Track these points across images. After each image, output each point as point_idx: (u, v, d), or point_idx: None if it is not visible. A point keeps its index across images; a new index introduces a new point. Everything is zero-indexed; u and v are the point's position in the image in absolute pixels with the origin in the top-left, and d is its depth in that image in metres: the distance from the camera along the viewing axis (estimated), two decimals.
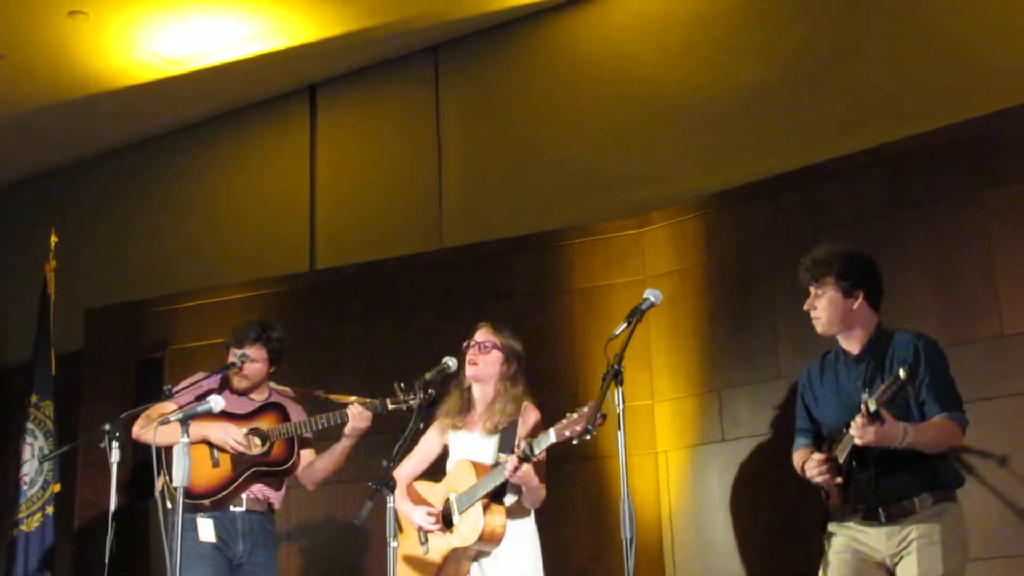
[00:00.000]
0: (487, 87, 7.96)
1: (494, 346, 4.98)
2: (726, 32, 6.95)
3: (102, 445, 4.81)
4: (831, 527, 4.42)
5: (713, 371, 6.13)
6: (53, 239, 7.78)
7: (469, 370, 4.94)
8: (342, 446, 5.40)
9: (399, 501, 4.84)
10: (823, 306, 4.43)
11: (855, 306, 4.40)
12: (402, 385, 5.23)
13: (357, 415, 5.28)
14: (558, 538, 5.80)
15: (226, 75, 8.20)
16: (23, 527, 7.26)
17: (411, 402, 5.13)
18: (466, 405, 5.05)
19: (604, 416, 4.00)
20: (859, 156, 5.92)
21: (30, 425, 7.47)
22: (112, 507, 4.82)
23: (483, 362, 4.96)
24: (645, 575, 6.02)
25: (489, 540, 4.70)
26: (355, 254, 7.72)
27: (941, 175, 5.62)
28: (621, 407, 4.04)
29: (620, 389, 4.06)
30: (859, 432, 4.03)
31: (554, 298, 6.74)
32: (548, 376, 4.93)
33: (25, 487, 7.34)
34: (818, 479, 4.32)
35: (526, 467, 4.59)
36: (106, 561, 4.72)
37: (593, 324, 6.50)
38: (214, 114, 8.88)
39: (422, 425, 4.86)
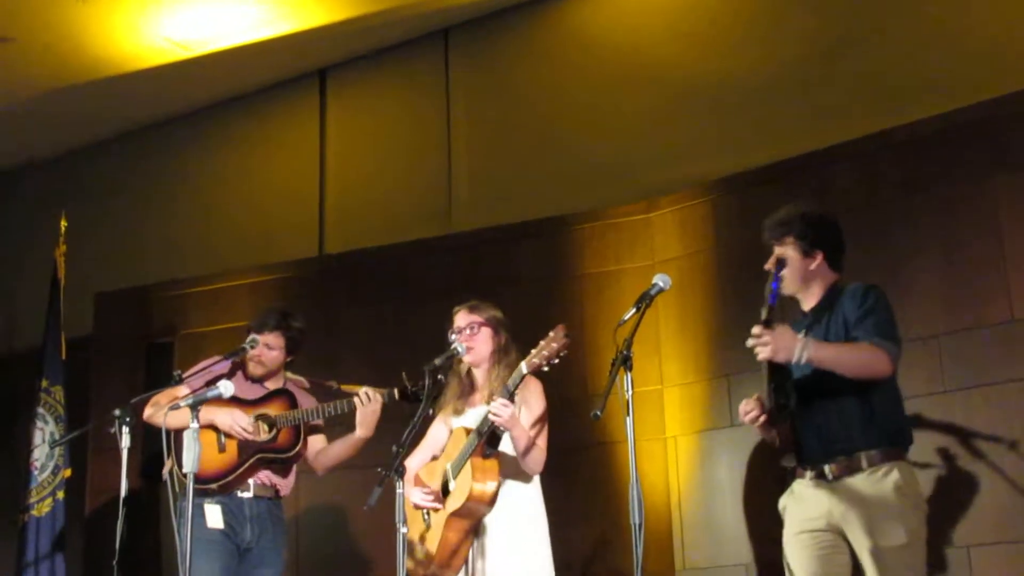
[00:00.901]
0: (497, 72, 7.94)
1: (480, 324, 4.98)
2: (736, 17, 6.94)
3: (112, 430, 4.82)
4: (783, 499, 4.38)
5: (722, 356, 6.13)
6: (63, 223, 7.78)
7: (467, 356, 4.94)
8: (356, 437, 5.37)
9: (406, 490, 4.84)
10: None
11: (813, 266, 4.41)
12: (408, 376, 5.23)
13: (364, 399, 5.26)
14: (568, 523, 5.81)
15: (236, 59, 8.20)
16: (34, 512, 7.29)
17: (419, 389, 5.13)
18: (467, 390, 5.05)
19: (598, 415, 3.99)
20: (869, 140, 5.91)
21: (40, 410, 7.49)
22: (123, 492, 4.83)
23: (476, 343, 4.96)
24: (654, 560, 6.03)
25: (479, 500, 4.64)
26: (364, 239, 7.73)
27: (952, 159, 5.61)
28: (630, 392, 4.04)
29: (629, 374, 4.06)
30: (754, 340, 4.07)
31: (563, 283, 6.74)
32: (557, 362, 4.95)
33: (36, 472, 7.36)
34: (745, 419, 4.32)
35: (509, 410, 4.57)
36: (117, 546, 4.73)
37: (602, 309, 6.50)
38: (224, 98, 8.88)
39: (431, 411, 4.86)
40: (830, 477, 4.19)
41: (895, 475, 4.12)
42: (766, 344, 4.06)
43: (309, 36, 7.95)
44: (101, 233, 9.04)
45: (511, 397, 4.60)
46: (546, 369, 4.56)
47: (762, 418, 4.29)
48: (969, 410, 5.29)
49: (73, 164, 9.57)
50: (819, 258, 4.41)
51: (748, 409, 4.31)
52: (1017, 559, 5.06)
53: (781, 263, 4.33)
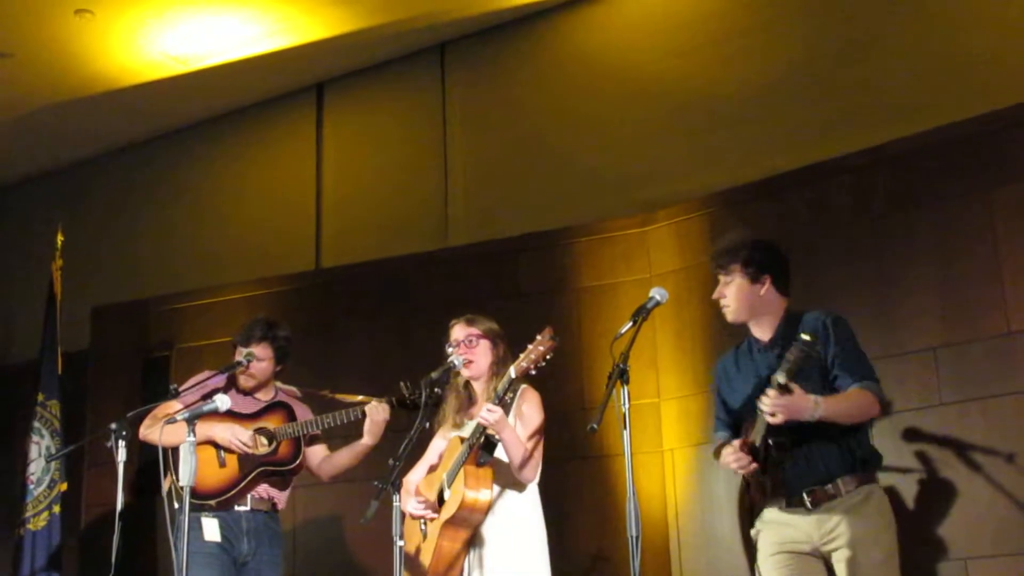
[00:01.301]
0: (493, 86, 7.96)
1: (479, 337, 4.99)
2: (732, 31, 6.95)
3: (109, 444, 4.81)
4: (757, 524, 4.44)
5: None
6: (60, 237, 7.78)
7: (465, 370, 4.94)
8: (363, 445, 5.39)
9: (402, 501, 4.83)
10: (731, 294, 4.48)
11: (762, 292, 4.45)
12: (407, 384, 5.25)
13: (374, 409, 5.29)
14: (565, 536, 5.81)
15: (233, 74, 8.22)
16: (30, 526, 7.27)
17: (416, 397, 5.16)
18: (465, 403, 5.05)
19: (595, 428, 4.00)
20: (864, 154, 5.92)
21: (37, 424, 7.48)
22: (119, 506, 4.82)
23: (476, 356, 4.96)
24: (652, 573, 6.03)
25: (472, 508, 4.64)
26: (361, 253, 7.73)
27: (946, 173, 5.62)
28: (627, 405, 4.04)
29: (626, 387, 4.06)
30: (770, 406, 4.07)
31: (560, 297, 6.74)
32: (554, 374, 4.93)
33: (32, 486, 7.34)
34: (734, 466, 4.35)
35: (498, 415, 4.58)
36: (113, 560, 4.72)
37: (599, 322, 6.51)
38: (221, 112, 8.90)
39: (428, 424, 4.86)
40: (809, 505, 4.26)
41: (870, 498, 4.25)
42: (784, 409, 4.08)
43: (306, 50, 7.97)
44: (98, 247, 9.05)
45: (500, 401, 4.61)
46: (534, 372, 4.60)
47: (754, 465, 4.31)
48: (966, 423, 5.29)
49: (70, 178, 9.58)
50: (767, 284, 4.45)
51: (738, 458, 4.32)
52: (1014, 571, 5.05)
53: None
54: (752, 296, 4.45)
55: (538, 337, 4.59)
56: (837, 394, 4.26)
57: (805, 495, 4.26)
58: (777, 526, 4.36)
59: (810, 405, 4.10)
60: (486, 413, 4.59)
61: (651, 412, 6.31)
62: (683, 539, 6.12)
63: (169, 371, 7.57)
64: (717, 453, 4.52)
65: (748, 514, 4.51)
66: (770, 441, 4.22)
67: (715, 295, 4.52)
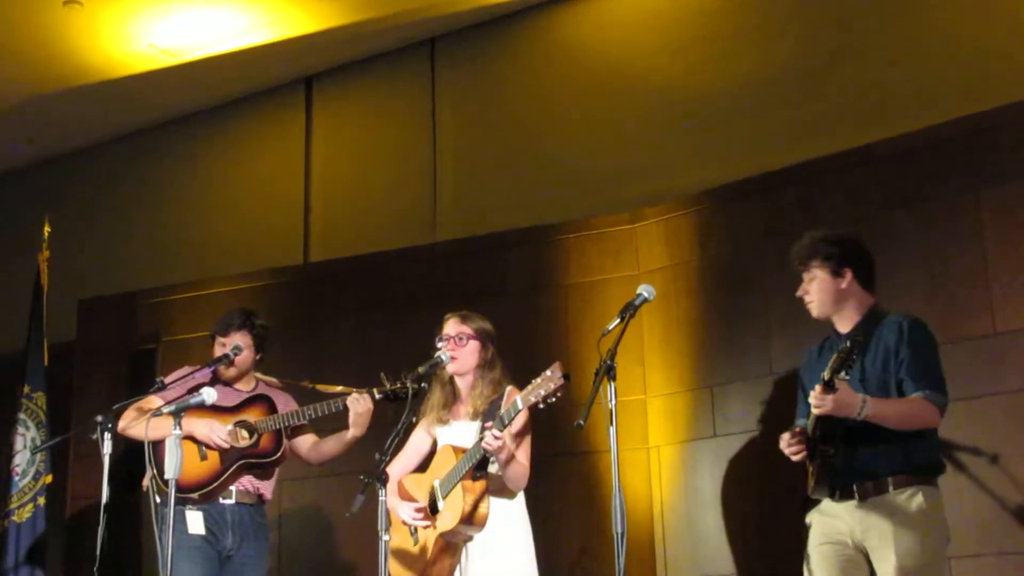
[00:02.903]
0: (482, 81, 7.96)
1: (469, 337, 4.98)
2: (722, 29, 6.96)
3: (94, 436, 4.79)
4: (812, 513, 4.45)
5: (706, 367, 6.14)
6: (46, 229, 7.75)
7: (451, 365, 4.94)
8: (351, 435, 5.41)
9: (388, 498, 4.82)
10: (814, 289, 4.49)
11: (844, 284, 4.46)
12: (388, 375, 5.26)
13: (355, 401, 5.30)
14: (550, 532, 5.81)
15: (222, 66, 8.20)
16: (14, 518, 7.25)
17: (397, 389, 5.19)
18: (450, 398, 5.05)
19: (581, 425, 4.00)
20: (853, 153, 5.93)
21: (22, 416, 7.45)
22: (104, 499, 4.81)
23: (462, 354, 4.96)
24: (637, 569, 6.04)
25: (471, 522, 4.64)
26: (349, 247, 7.73)
27: (935, 173, 5.63)
28: (614, 402, 4.04)
29: (613, 384, 4.06)
30: (815, 401, 4.10)
31: (548, 293, 6.75)
32: (541, 370, 4.92)
33: (17, 478, 7.32)
34: (786, 451, 4.37)
35: (502, 443, 4.54)
36: (97, 552, 4.71)
37: (586, 319, 6.51)
38: (209, 105, 8.88)
39: (414, 419, 4.85)
40: (858, 498, 4.26)
41: (919, 498, 4.21)
42: (826, 404, 4.09)
43: (295, 44, 7.96)
44: (85, 239, 9.03)
45: (504, 428, 4.57)
46: (542, 407, 4.46)
47: (803, 453, 4.34)
48: (952, 423, 5.28)
49: (57, 170, 9.56)
50: (848, 276, 4.46)
51: (792, 443, 4.36)
52: (999, 571, 5.07)
53: None
54: (835, 289, 4.45)
55: (548, 372, 4.43)
56: (890, 398, 4.26)
57: (855, 488, 4.26)
58: (826, 517, 4.37)
59: (857, 403, 4.10)
60: (491, 440, 4.53)
61: (638, 409, 6.32)
62: (668, 535, 6.13)
63: (156, 364, 7.55)
64: (782, 437, 4.48)
65: (803, 504, 4.50)
66: (818, 434, 4.25)
67: (800, 292, 4.51)
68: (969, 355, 5.30)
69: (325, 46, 8.06)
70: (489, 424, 4.60)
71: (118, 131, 9.20)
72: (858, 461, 4.26)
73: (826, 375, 4.04)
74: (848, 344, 4.00)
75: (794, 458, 4.38)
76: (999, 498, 5.11)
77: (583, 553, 6.20)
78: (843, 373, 4.06)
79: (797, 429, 4.37)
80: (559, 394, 4.42)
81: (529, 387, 4.48)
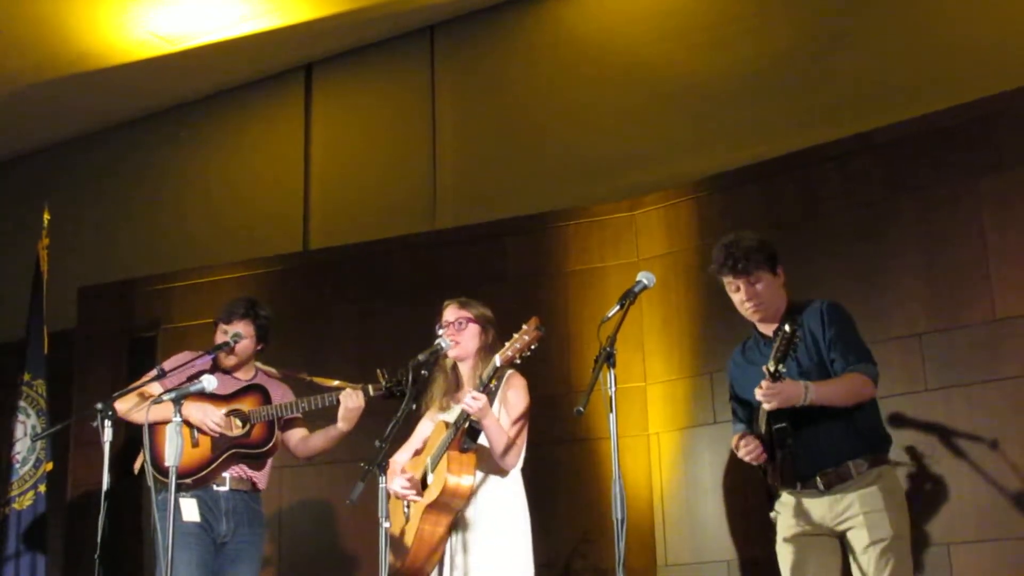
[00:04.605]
0: (482, 68, 7.95)
1: (469, 321, 5.00)
2: (721, 16, 6.95)
3: (94, 424, 4.80)
4: (776, 507, 4.51)
5: (705, 354, 6.14)
6: (46, 216, 7.74)
7: (452, 351, 4.95)
8: (337, 431, 5.42)
9: (388, 481, 4.84)
10: (764, 292, 4.51)
11: (782, 282, 4.56)
12: (384, 372, 5.29)
13: (348, 396, 5.31)
14: (551, 518, 5.82)
15: (221, 54, 8.19)
16: (15, 505, 7.25)
17: (393, 386, 5.27)
18: (452, 386, 5.06)
19: (581, 411, 4.02)
20: (852, 141, 5.92)
21: (22, 403, 7.45)
22: (104, 486, 4.82)
23: (463, 339, 4.98)
24: (636, 556, 6.05)
25: (453, 494, 4.66)
26: (349, 234, 7.72)
27: (934, 161, 5.63)
28: (613, 389, 4.06)
29: (612, 371, 4.08)
30: (763, 395, 4.16)
31: (547, 280, 6.75)
32: (541, 358, 4.93)
33: (17, 465, 7.32)
34: (747, 458, 4.44)
35: (482, 403, 4.59)
36: (98, 539, 4.72)
37: (586, 306, 6.51)
38: (209, 93, 8.87)
39: (415, 406, 4.86)
40: (821, 488, 4.34)
41: (881, 479, 4.33)
42: (776, 396, 4.16)
43: (295, 31, 7.95)
44: (85, 227, 9.02)
45: (484, 389, 4.63)
46: (518, 361, 4.63)
47: (763, 456, 4.40)
48: (951, 409, 5.31)
49: (57, 157, 9.54)
50: (782, 274, 4.55)
51: (751, 449, 4.42)
52: (997, 557, 5.08)
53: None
54: (776, 289, 4.54)
55: (524, 327, 4.62)
56: (828, 379, 4.33)
57: (818, 478, 4.33)
58: (792, 509, 4.43)
59: (800, 391, 4.18)
60: (470, 400, 4.60)
61: (637, 396, 6.32)
62: (668, 522, 6.14)
63: (155, 351, 7.55)
64: (736, 447, 4.56)
65: (769, 500, 4.56)
66: (773, 430, 4.31)
67: (745, 297, 4.52)
68: (968, 341, 5.32)
69: (325, 33, 8.04)
70: (469, 389, 4.67)
71: (118, 119, 9.18)
72: (816, 449, 4.32)
73: (771, 366, 4.09)
74: (788, 329, 4.03)
75: (755, 462, 4.45)
76: (998, 484, 5.12)
77: (583, 540, 6.21)
78: (782, 366, 4.11)
79: (745, 435, 4.47)
80: (535, 346, 4.58)
81: (506, 344, 4.62)
